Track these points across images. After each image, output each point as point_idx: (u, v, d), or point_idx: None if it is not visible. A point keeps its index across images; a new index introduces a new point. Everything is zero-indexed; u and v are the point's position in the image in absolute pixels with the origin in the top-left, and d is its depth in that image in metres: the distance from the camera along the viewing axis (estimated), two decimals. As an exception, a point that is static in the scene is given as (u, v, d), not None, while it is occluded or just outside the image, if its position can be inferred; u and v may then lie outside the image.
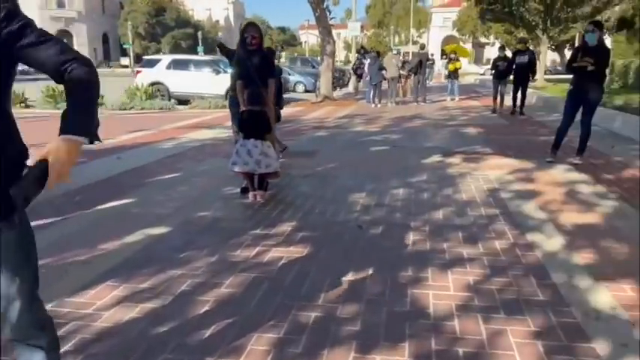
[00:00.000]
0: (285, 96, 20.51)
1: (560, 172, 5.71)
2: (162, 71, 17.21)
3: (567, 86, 6.53)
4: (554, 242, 3.46)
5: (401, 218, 4.13)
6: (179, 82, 16.80)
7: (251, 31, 4.87)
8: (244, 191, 4.92)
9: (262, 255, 3.34)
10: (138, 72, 18.07)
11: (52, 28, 63.78)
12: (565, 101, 6.30)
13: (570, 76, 6.37)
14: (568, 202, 4.51)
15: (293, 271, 3.06)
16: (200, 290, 2.82)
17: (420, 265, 3.12)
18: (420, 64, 15.54)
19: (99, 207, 4.57)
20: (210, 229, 3.93)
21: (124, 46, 59.91)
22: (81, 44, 66.48)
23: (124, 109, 14.48)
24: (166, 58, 18.29)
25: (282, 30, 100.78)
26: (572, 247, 3.36)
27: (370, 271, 3.02)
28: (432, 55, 42.50)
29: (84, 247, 3.51)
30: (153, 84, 16.78)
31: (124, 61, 57.17)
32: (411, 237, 3.64)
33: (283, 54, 57.86)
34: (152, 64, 17.97)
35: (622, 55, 22.21)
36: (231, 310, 2.59)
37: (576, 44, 40.24)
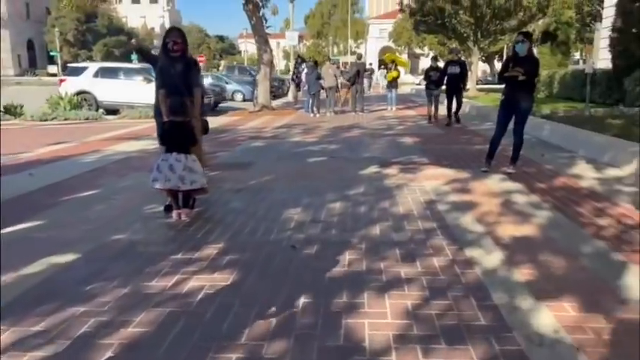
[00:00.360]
0: (222, 105, 20.15)
1: (495, 182, 5.70)
2: (89, 79, 16.29)
3: (499, 96, 6.60)
4: (493, 258, 3.33)
5: (337, 235, 3.88)
6: (108, 90, 15.94)
7: (173, 36, 4.50)
8: (168, 209, 4.52)
9: (181, 285, 2.98)
10: (62, 80, 16.99)
11: (-31, 34, 59.51)
12: (498, 111, 6.35)
13: (501, 86, 6.43)
14: (504, 213, 4.44)
15: (215, 303, 2.73)
16: (104, 332, 2.43)
17: (355, 289, 2.87)
18: (358, 74, 15.57)
19: (-2, 232, 4.02)
20: (125, 254, 3.51)
21: (52, 54, 56.87)
22: (3, 51, 62.45)
23: (46, 120, 13.48)
24: (93, 66, 17.34)
25: (221, 38, 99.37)
26: (511, 263, 3.24)
27: (302, 299, 2.74)
28: (371, 64, 43.21)
29: (-30, 283, 3.00)
30: (79, 93, 15.84)
31: (52, 69, 54.19)
32: (346, 256, 3.39)
33: (222, 62, 57.07)
34: (78, 72, 16.97)
35: (547, 66, 23.41)
36: (137, 356, 2.22)
37: (504, 55, 42.31)
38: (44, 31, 61.63)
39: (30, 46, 67.24)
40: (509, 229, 3.95)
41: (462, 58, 15.65)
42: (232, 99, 24.02)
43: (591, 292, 2.83)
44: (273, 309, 2.64)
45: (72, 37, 59.08)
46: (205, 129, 5.07)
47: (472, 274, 3.08)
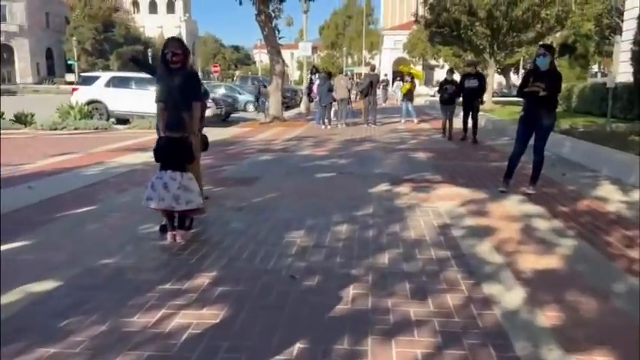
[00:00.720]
0: (234, 115, 19.99)
1: (514, 204, 5.34)
2: (100, 89, 16.23)
3: (515, 109, 6.28)
4: (513, 296, 2.99)
5: (341, 264, 3.57)
6: (119, 100, 15.84)
7: (172, 46, 4.25)
8: (163, 230, 4.24)
9: (165, 321, 2.68)
10: (74, 89, 16.95)
11: (-10, 42, 60.68)
12: (517, 127, 6.00)
13: (518, 99, 6.08)
14: (525, 241, 4.09)
15: (200, 345, 2.43)
16: (70, 381, 2.15)
17: (359, 332, 2.56)
18: (371, 86, 15.29)
19: (-20, 253, 3.77)
20: (110, 282, 3.23)
21: (69, 62, 57.61)
22: (22, 59, 63.58)
23: (55, 129, 13.39)
24: (105, 76, 17.29)
25: (236, 49, 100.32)
26: (534, 303, 2.90)
27: (297, 345, 2.43)
28: (386, 75, 42.98)
29: (-63, 314, 2.75)
30: (90, 102, 15.78)
31: (70, 77, 54.86)
32: (350, 291, 3.08)
33: (236, 73, 57.30)
34: (90, 81, 16.93)
35: (565, 79, 22.84)
36: (103, 415, 1.93)
37: (520, 68, 41.70)
38: (63, 40, 62.63)
39: (49, 54, 68.34)
40: (531, 261, 3.60)
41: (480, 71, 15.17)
42: (245, 109, 23.91)
43: (627, 341, 2.48)
44: (265, 356, 2.33)
45: (89, 46, 59.88)
46: (205, 145, 4.81)
47: (491, 315, 2.75)
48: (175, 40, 4.33)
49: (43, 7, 66.13)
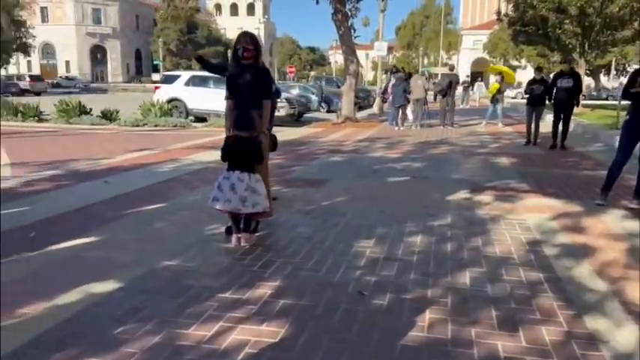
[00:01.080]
0: (307, 115, 19.98)
1: (616, 220, 4.70)
2: (180, 87, 16.76)
3: (606, 112, 5.60)
4: (625, 335, 2.50)
5: (415, 282, 3.21)
6: (197, 98, 16.28)
7: (244, 41, 4.07)
8: (229, 232, 4.09)
9: (222, 337, 2.47)
10: (156, 88, 17.66)
11: (87, 44, 65.51)
12: (620, 133, 5.31)
13: (609, 102, 5.38)
14: (633, 265, 3.52)
15: (256, 368, 2.19)
16: (116, 398, 1.98)
17: (435, 366, 2.21)
18: (450, 86, 14.60)
19: (52, 247, 3.80)
20: (170, 287, 3.09)
21: (155, 63, 60.78)
22: (114, 59, 67.94)
23: (137, 126, 13.96)
24: (185, 75, 17.83)
25: (312, 50, 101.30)
26: (653, 346, 2.40)
27: (363, 376, 2.13)
28: (468, 76, 41.33)
29: (2, 309, 2.71)
30: (171, 100, 16.33)
31: (155, 77, 57.87)
32: (427, 315, 2.72)
33: (311, 73, 57.78)
34: (171, 80, 17.54)
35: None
36: None
37: (612, 69, 38.60)
38: (150, 41, 66.22)
39: (138, 55, 72.60)
40: (643, 291, 3.06)
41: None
42: (317, 110, 23.87)
43: None
44: (326, 388, 2.05)
45: (174, 47, 62.81)
46: (274, 145, 4.61)
47: (598, 358, 2.29)
48: (247, 35, 4.15)
49: (133, 9, 70.42)
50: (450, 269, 3.41)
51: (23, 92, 35.66)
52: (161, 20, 63.18)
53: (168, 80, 17.79)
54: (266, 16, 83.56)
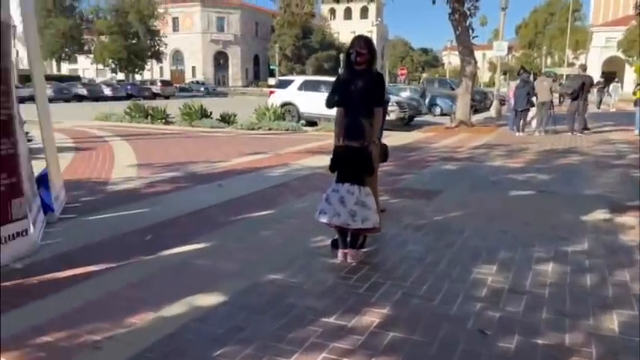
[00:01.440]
0: (417, 119, 19.40)
1: None
2: (294, 92, 17.11)
3: None
4: None
5: (549, 323, 2.74)
6: (309, 102, 16.48)
7: (357, 45, 3.84)
8: (335, 245, 3.89)
9: (323, 372, 2.26)
10: (271, 92, 18.23)
11: (211, 50, 70.23)
12: None
13: None
14: None
15: (360, 417, 1.94)
16: None
17: None
18: (582, 88, 13.20)
19: (164, 252, 3.88)
20: (273, 305, 2.95)
21: (271, 67, 63.46)
22: (234, 65, 72.06)
23: (252, 129, 14.46)
24: (299, 79, 18.19)
25: (424, 51, 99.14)
26: None
27: None
28: (602, 77, 37.56)
29: (111, 317, 2.75)
30: (284, 104, 16.73)
31: (271, 81, 60.44)
32: (564, 367, 2.28)
33: (423, 75, 56.45)
34: (285, 84, 17.99)
35: None
36: None
37: None
38: (268, 47, 69.23)
39: (256, 60, 76.31)
40: None
41: None
42: (430, 112, 23.10)
43: None
44: None
45: (290, 52, 65.03)
46: (384, 155, 4.32)
47: None
48: (361, 39, 3.92)
49: (253, 17, 74.16)
50: (592, 309, 2.88)
51: (155, 96, 39.00)
52: (278, 26, 65.70)
53: (283, 85, 18.28)
54: (379, 19, 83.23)
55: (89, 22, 54.86)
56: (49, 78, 41.24)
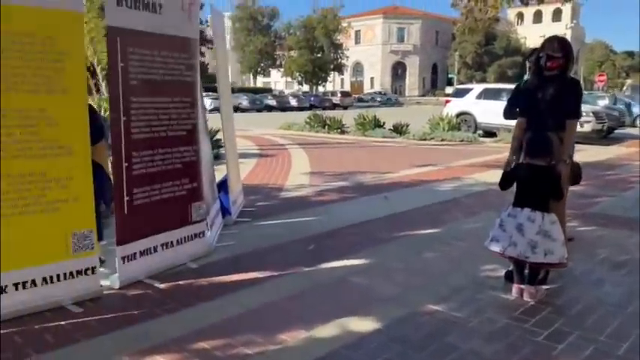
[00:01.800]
0: (619, 131, 16.86)
1: None
2: (471, 101, 16.20)
3: None
4: None
5: None
6: (487, 112, 15.42)
7: (549, 48, 3.31)
8: (509, 278, 3.39)
9: None
10: (447, 101, 17.55)
11: (389, 61, 71.28)
12: None
13: None
14: None
15: None
16: None
17: None
18: None
19: (323, 265, 3.82)
20: (431, 342, 2.62)
21: (450, 76, 61.81)
22: (411, 74, 72.00)
23: (424, 140, 14.06)
24: (478, 88, 17.17)
25: (629, 54, 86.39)
26: None
27: None
28: None
29: (265, 330, 2.74)
30: (460, 114, 15.96)
31: (448, 90, 58.83)
32: None
33: (627, 82, 49.17)
34: (462, 93, 17.13)
35: None
36: None
37: None
38: (447, 55, 67.57)
39: (434, 69, 75.12)
40: None
41: None
42: (634, 125, 19.88)
43: None
44: None
45: (470, 59, 62.53)
46: (576, 177, 3.63)
47: None
48: (555, 40, 3.36)
49: (434, 26, 73.17)
50: None
51: (334, 106, 40.81)
52: (459, 33, 63.70)
53: (460, 94, 17.44)
54: (574, 21, 75.20)
55: (281, 38, 60.13)
56: (246, 90, 46.41)
